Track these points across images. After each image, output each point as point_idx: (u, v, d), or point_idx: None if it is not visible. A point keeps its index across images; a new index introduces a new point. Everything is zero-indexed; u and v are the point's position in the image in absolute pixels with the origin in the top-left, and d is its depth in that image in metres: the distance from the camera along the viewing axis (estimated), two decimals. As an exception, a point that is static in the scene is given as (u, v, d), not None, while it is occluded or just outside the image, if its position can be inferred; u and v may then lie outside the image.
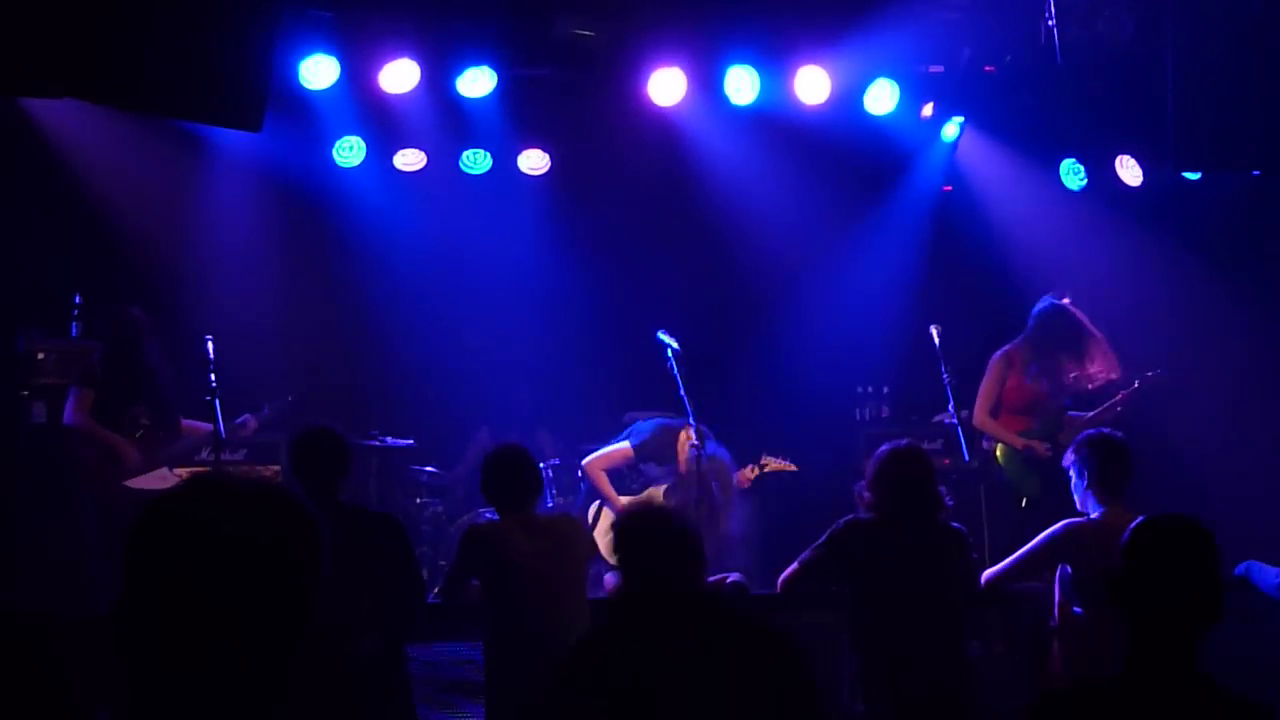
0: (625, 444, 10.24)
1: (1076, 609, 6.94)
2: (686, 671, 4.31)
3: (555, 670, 4.67)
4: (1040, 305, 10.36)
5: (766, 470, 10.45)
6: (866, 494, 7.06)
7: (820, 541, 6.95)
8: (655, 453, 10.24)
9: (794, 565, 7.04)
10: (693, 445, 9.79)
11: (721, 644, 4.39)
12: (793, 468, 10.56)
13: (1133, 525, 3.87)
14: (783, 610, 7.46)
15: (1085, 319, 10.27)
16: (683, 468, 10.03)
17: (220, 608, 2.23)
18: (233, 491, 2.32)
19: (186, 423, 10.10)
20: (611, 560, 9.85)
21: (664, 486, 10.20)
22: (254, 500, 2.31)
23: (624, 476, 10.25)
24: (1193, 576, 3.72)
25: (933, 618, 6.80)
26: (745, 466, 10.27)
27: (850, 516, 7.04)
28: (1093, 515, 7.01)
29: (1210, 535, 3.81)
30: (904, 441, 7.25)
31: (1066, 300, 10.34)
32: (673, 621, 4.49)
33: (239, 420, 10.17)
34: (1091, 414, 10.20)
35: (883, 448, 7.10)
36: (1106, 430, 7.47)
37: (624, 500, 10.10)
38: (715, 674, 4.32)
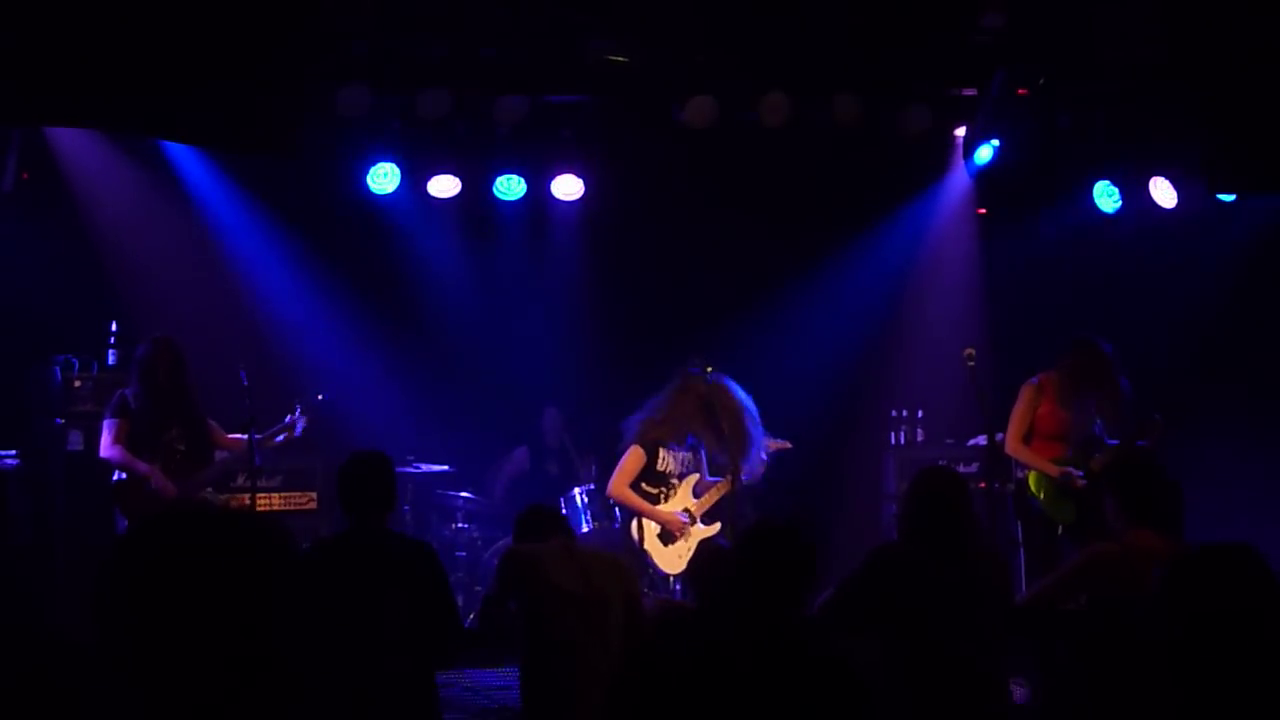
0: (631, 449, 10.17)
1: (1104, 631, 6.89)
2: (747, 693, 4.27)
3: (623, 673, 4.63)
4: (1075, 339, 10.29)
5: (772, 450, 10.40)
6: (902, 519, 7.04)
7: (858, 568, 6.92)
8: (660, 436, 10.15)
9: (831, 590, 7.01)
10: (732, 475, 9.77)
11: (786, 670, 4.36)
12: (788, 445, 10.52)
13: (1177, 555, 3.82)
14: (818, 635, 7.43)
15: (1116, 368, 10.19)
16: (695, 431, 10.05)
17: (194, 636, 2.24)
18: (206, 521, 2.34)
19: (230, 436, 10.12)
20: (666, 568, 9.90)
21: (698, 500, 10.15)
22: (227, 529, 2.33)
23: (650, 495, 10.18)
24: (1245, 606, 3.68)
25: (971, 642, 6.77)
26: None
27: (887, 542, 7.02)
28: (1120, 538, 6.97)
29: (1262, 561, 3.77)
30: (939, 466, 7.23)
31: (1106, 347, 10.26)
32: (739, 642, 4.46)
33: (286, 422, 10.19)
34: (1118, 443, 10.15)
35: (917, 473, 7.08)
36: (1144, 454, 7.42)
37: (661, 510, 10.05)
38: (776, 699, 4.29)
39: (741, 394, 10.07)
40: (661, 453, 10.10)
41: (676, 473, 10.14)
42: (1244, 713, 3.62)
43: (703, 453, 10.24)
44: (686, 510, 10.09)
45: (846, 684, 4.30)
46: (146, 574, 2.28)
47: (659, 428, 10.11)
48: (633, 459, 10.08)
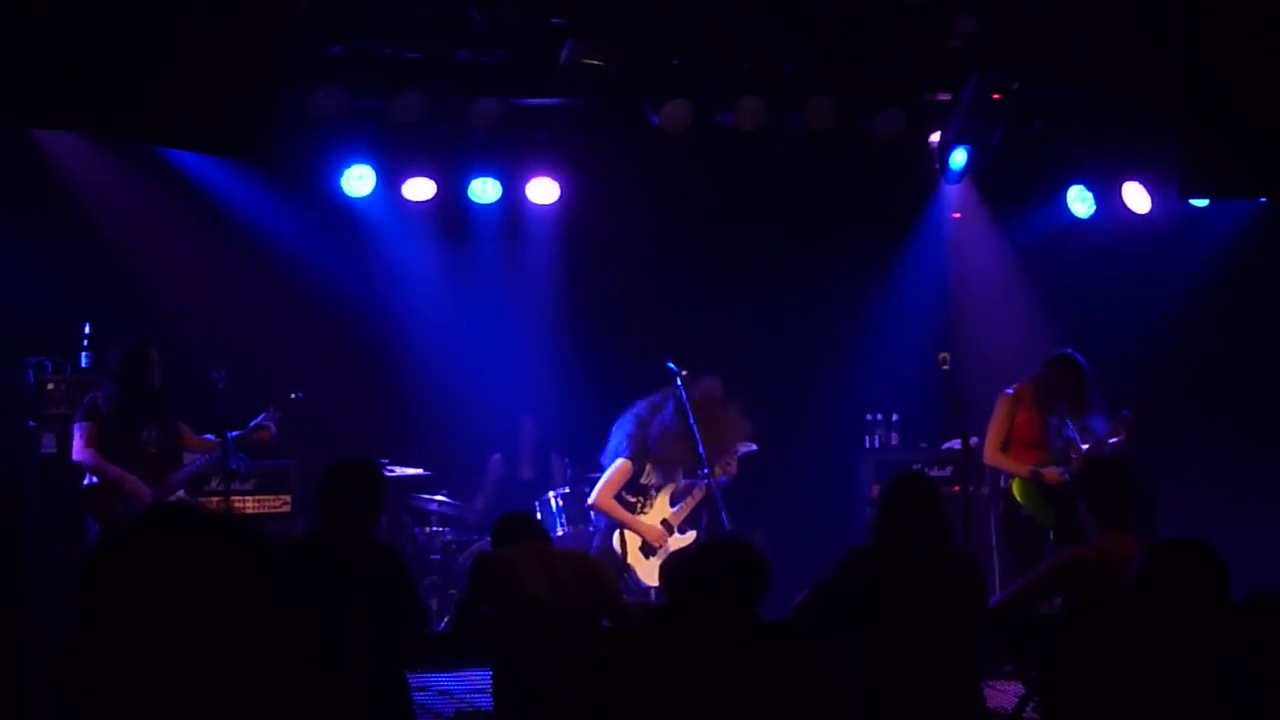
0: (618, 460, 10.17)
1: (1080, 634, 6.91)
2: (726, 687, 4.29)
3: (603, 664, 4.66)
4: (1057, 353, 10.34)
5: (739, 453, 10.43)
6: (876, 523, 7.05)
7: (832, 570, 6.94)
8: (647, 450, 10.15)
9: (806, 593, 7.02)
10: (703, 475, 9.77)
11: (762, 668, 4.37)
12: (753, 446, 10.55)
13: (1146, 550, 3.89)
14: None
15: (1092, 383, 10.24)
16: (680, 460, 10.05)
17: (174, 643, 2.24)
18: (185, 524, 2.34)
19: (199, 439, 10.12)
20: (649, 581, 9.91)
21: (676, 509, 10.16)
22: (206, 532, 2.33)
23: (631, 502, 10.18)
24: (1205, 599, 3.74)
25: (944, 645, 6.78)
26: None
27: (861, 545, 7.03)
28: (1094, 542, 7.00)
29: (1219, 557, 3.83)
30: (913, 470, 7.25)
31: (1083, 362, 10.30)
32: (719, 638, 4.48)
33: (256, 422, 10.20)
34: (1089, 447, 10.20)
35: (891, 477, 7.10)
36: (1110, 456, 7.44)
37: (642, 521, 10.07)
38: (752, 695, 4.30)
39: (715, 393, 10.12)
40: (648, 467, 10.13)
41: (655, 484, 10.15)
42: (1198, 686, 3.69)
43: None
44: (665, 520, 10.10)
45: (815, 681, 4.33)
46: (133, 575, 2.27)
47: (648, 453, 10.12)
48: (620, 472, 10.09)
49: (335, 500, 6.99)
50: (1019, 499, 10.12)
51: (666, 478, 10.15)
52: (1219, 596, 3.77)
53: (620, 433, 10.21)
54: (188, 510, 2.41)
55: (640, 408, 10.20)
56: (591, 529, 10.53)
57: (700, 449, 9.74)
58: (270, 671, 2.32)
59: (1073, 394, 10.16)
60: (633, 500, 10.11)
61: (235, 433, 9.90)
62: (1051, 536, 9.95)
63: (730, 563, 5.35)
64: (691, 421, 9.76)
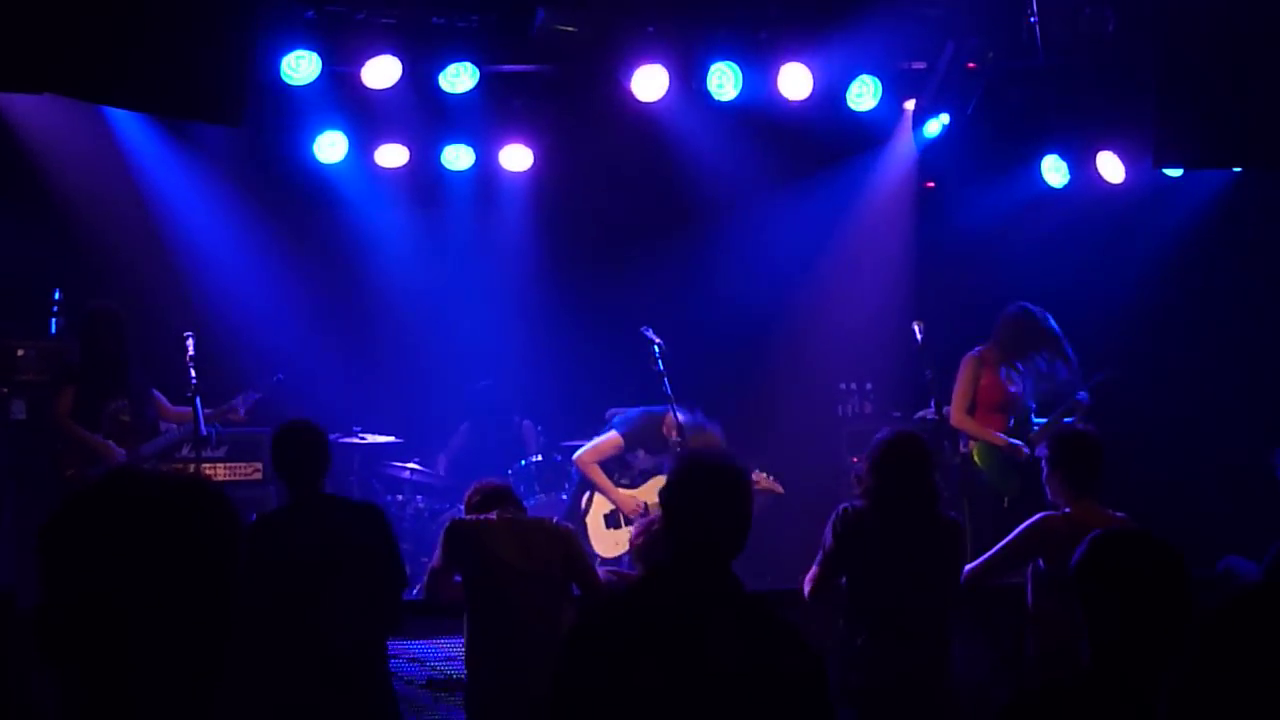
0: (613, 433, 10.22)
1: (1050, 602, 6.94)
2: (713, 660, 4.18)
3: (577, 629, 4.53)
4: (1008, 309, 10.40)
5: (758, 489, 10.46)
6: (865, 478, 7.05)
7: (827, 537, 6.92)
8: (643, 440, 10.22)
9: (814, 568, 7.02)
10: (676, 443, 9.77)
11: (755, 642, 4.24)
12: (779, 489, 10.56)
13: (1087, 541, 3.87)
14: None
15: (1052, 322, 10.29)
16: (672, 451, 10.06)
17: (136, 605, 2.22)
18: (149, 486, 2.32)
19: (175, 409, 10.08)
20: (600, 550, 9.90)
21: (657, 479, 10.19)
22: (170, 495, 2.31)
23: (611, 471, 10.23)
24: (1154, 599, 3.72)
25: (925, 602, 6.82)
26: None
27: (845, 505, 7.01)
28: (1065, 510, 7.04)
29: (1173, 551, 3.81)
30: (905, 430, 7.25)
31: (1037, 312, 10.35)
32: (709, 604, 4.32)
33: (229, 405, 10.17)
34: (1046, 421, 10.22)
35: (882, 432, 7.09)
36: (1080, 426, 7.47)
37: (621, 491, 10.11)
38: (742, 670, 4.19)
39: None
40: (641, 452, 10.19)
41: (644, 469, 10.20)
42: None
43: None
44: (646, 505, 10.10)
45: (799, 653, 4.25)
46: (92, 534, 2.25)
47: (642, 441, 10.18)
48: (610, 443, 10.18)
49: (286, 464, 7.02)
50: (978, 463, 10.17)
51: (658, 468, 10.18)
52: (1170, 589, 3.75)
53: (625, 417, 10.28)
54: (149, 472, 2.39)
55: (651, 409, 10.24)
56: (564, 496, 10.54)
57: (674, 411, 9.75)
58: (233, 633, 2.30)
59: (1035, 345, 10.21)
60: (615, 474, 10.17)
61: (207, 410, 9.81)
62: (1005, 504, 9.99)
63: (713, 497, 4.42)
64: (667, 388, 9.77)
